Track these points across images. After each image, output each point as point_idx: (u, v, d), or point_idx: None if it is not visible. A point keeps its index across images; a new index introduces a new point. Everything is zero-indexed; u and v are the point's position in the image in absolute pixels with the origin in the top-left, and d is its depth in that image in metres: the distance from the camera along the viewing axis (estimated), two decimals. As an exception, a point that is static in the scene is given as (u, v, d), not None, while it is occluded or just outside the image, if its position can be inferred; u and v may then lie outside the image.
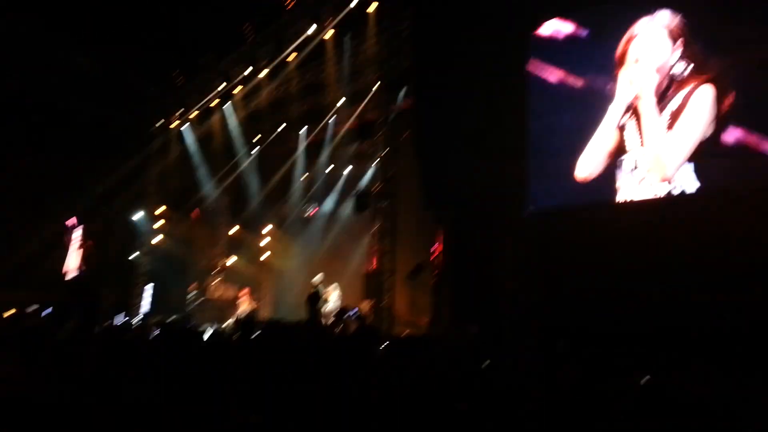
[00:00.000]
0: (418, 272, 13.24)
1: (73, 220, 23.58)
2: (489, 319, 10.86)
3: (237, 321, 4.15)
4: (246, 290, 18.18)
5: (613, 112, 10.51)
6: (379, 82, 14.56)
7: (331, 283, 16.37)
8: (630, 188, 10.18)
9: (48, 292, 22.63)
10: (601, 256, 9.88)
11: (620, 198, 10.28)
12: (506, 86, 11.66)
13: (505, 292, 11.16)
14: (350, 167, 18.22)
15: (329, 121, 17.94)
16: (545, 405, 3.64)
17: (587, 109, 10.71)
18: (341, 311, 5.00)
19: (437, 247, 13.87)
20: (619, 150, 10.41)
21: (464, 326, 7.98)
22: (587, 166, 10.70)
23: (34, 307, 16.69)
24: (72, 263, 23.90)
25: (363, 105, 16.14)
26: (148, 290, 19.51)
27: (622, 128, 10.44)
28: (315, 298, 12.31)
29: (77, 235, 23.66)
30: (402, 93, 14.61)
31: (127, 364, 3.12)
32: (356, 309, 5.69)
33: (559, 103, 11.20)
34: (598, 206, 10.50)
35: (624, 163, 10.30)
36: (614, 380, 4.22)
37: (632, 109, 10.32)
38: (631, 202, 10.15)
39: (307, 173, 19.74)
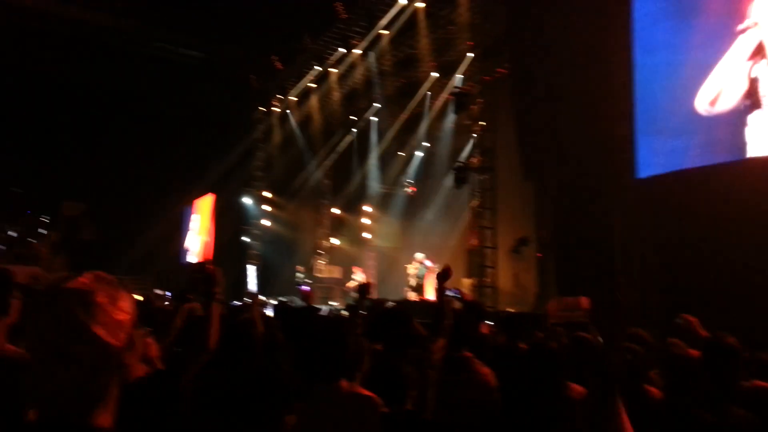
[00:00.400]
0: (522, 246, 12.69)
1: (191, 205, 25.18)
2: (600, 294, 10.15)
3: (359, 286, 4.05)
4: (358, 268, 18.36)
5: (740, 53, 9.28)
6: (472, 52, 14.05)
7: (432, 261, 16.20)
8: (763, 141, 8.98)
9: (169, 277, 24.43)
10: (726, 222, 8.85)
11: (751, 153, 9.09)
12: (606, 42, 10.76)
13: (617, 265, 10.39)
14: (447, 141, 17.83)
15: (424, 95, 17.64)
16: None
17: (707, 49, 9.56)
18: (443, 273, 4.67)
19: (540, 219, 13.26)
20: (750, 95, 9.19)
21: (575, 299, 7.38)
22: (709, 105, 9.56)
23: (159, 292, 18.02)
24: (192, 246, 25.60)
25: (457, 76, 15.67)
26: (252, 271, 20.31)
27: (751, 71, 9.23)
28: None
29: (196, 219, 25.27)
30: (497, 61, 14.03)
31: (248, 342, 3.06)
32: (457, 290, 5.44)
33: (673, 45, 10.10)
34: (723, 165, 9.39)
35: (756, 112, 9.11)
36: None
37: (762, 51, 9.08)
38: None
39: (404, 150, 19.59)
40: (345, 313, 9.47)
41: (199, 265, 2.99)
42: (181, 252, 26.51)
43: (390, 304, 7.46)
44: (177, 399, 2.32)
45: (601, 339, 4.53)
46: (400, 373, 2.86)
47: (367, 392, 2.73)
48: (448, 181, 15.75)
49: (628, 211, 10.55)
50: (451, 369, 3.25)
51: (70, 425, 1.06)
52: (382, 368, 2.94)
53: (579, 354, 3.70)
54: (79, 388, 1.07)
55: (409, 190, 19.56)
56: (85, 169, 25.64)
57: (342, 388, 2.69)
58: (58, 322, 1.07)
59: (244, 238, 21.86)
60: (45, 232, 27.63)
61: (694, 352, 3.14)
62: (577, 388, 3.24)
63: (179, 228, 26.45)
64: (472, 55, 14.00)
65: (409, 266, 16.63)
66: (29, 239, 27.01)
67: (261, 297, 17.46)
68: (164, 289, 19.60)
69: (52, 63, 19.34)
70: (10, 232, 26.91)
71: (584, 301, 7.28)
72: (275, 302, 15.01)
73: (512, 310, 12.62)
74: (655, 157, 10.15)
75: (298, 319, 4.21)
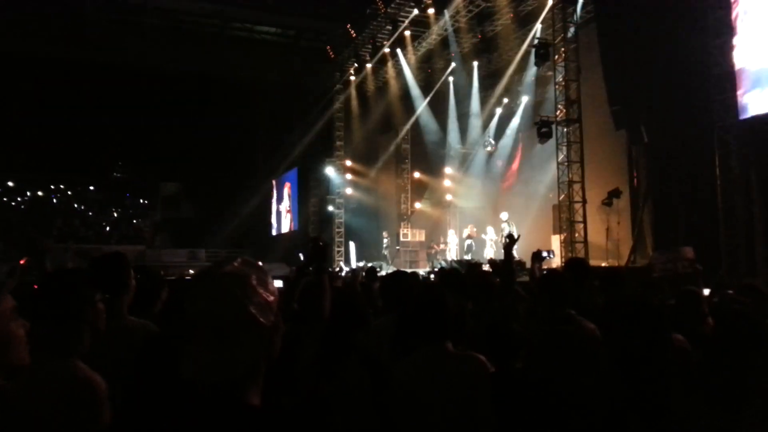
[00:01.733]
0: (614, 198, 12.20)
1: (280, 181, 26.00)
2: (701, 246, 9.68)
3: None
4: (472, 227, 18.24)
5: None
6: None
7: (518, 219, 15.97)
8: None
9: (261, 248, 25.51)
10: None
11: None
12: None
13: (721, 214, 9.82)
14: (529, 95, 17.28)
15: (503, 49, 17.11)
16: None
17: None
18: (537, 253, 4.69)
19: (633, 170, 12.70)
20: None
21: (678, 250, 7.03)
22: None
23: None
24: (280, 219, 26.57)
25: (538, 25, 15.05)
26: (352, 247, 20.77)
27: None
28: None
29: (282, 192, 26.14)
30: (579, 6, 13.32)
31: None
32: (550, 250, 5.38)
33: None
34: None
35: None
36: None
37: None
38: None
39: (484, 108, 19.19)
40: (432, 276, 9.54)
41: (313, 240, 3.08)
42: (271, 225, 27.54)
43: (486, 266, 7.47)
44: (295, 366, 2.46)
45: (708, 291, 4.36)
46: (510, 331, 2.87)
47: (472, 353, 2.77)
48: (531, 136, 15.33)
49: (731, 156, 9.89)
50: (555, 325, 3.23)
51: (228, 403, 1.13)
52: (493, 326, 2.97)
53: (688, 310, 3.57)
54: (235, 366, 1.13)
55: (490, 148, 19.21)
56: (180, 151, 27.06)
57: (446, 348, 2.75)
58: (218, 303, 1.13)
59: (329, 208, 22.36)
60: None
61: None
62: (681, 339, 3.14)
63: (268, 202, 27.44)
64: (552, 1, 13.36)
65: (490, 229, 16.50)
66: (133, 220, 29.02)
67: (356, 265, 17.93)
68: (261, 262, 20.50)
69: (138, 53, 20.29)
70: (114, 215, 29.00)
71: (688, 251, 6.95)
72: (363, 267, 15.37)
73: (605, 265, 12.27)
74: (760, 95, 9.41)
75: (398, 283, 4.28)
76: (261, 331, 1.15)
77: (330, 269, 14.78)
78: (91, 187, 30.16)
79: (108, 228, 27.56)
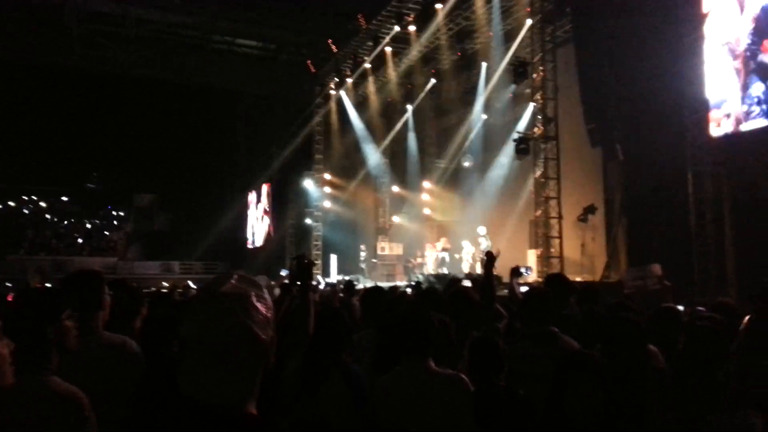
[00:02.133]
0: (590, 214, 12.40)
1: (257, 190, 25.84)
2: (674, 262, 9.87)
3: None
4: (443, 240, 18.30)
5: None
6: (531, 18, 13.64)
7: (494, 233, 16.08)
8: None
9: (237, 260, 25.27)
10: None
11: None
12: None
13: (693, 231, 10.02)
14: (508, 112, 17.51)
15: (482, 66, 17.33)
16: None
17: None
18: (515, 269, 4.73)
19: (608, 186, 12.92)
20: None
21: (647, 267, 7.17)
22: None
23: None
24: (257, 231, 26.38)
25: (516, 44, 15.30)
26: (334, 260, 20.67)
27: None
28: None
29: (259, 205, 26.01)
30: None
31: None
32: (528, 267, 5.43)
33: None
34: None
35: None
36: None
37: None
38: None
39: (462, 124, 19.38)
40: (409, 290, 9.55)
41: (298, 257, 3.08)
42: (247, 238, 27.32)
43: (465, 282, 7.49)
44: (279, 384, 2.45)
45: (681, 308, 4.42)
46: (494, 349, 2.88)
47: (452, 372, 2.77)
48: (509, 152, 15.50)
49: (703, 173, 10.13)
50: (538, 343, 3.25)
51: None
52: (476, 343, 2.98)
53: (666, 327, 3.63)
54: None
55: (468, 163, 19.38)
56: (156, 162, 26.77)
57: (428, 366, 2.74)
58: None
59: (307, 221, 22.29)
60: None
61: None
62: (657, 353, 3.19)
63: (245, 214, 27.23)
64: (531, 21, 13.59)
65: (465, 244, 16.58)
66: (105, 232, 28.53)
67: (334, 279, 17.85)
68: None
69: (117, 63, 20.12)
70: (87, 226, 28.49)
71: (657, 269, 7.09)
72: (341, 281, 15.32)
73: (580, 280, 12.42)
74: (726, 116, 9.66)
75: (377, 298, 4.29)
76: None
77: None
78: (64, 198, 29.63)
79: (80, 240, 27.04)
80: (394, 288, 8.08)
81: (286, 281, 3.38)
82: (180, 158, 25.83)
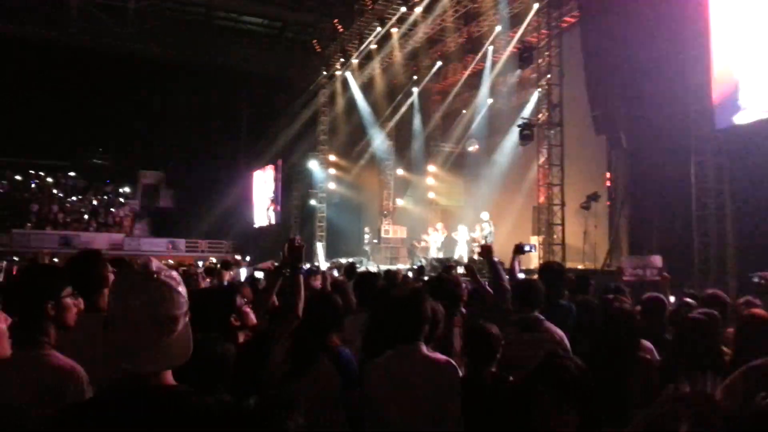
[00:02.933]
0: (593, 201, 12.41)
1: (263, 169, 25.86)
2: (674, 252, 9.90)
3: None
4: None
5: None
6: (538, 1, 13.53)
7: (498, 219, 16.11)
8: None
9: (242, 240, 25.43)
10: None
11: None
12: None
13: (694, 221, 10.03)
14: (513, 97, 17.43)
15: (488, 50, 17.22)
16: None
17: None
18: (518, 246, 4.77)
19: (612, 174, 12.90)
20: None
21: (648, 257, 7.21)
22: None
23: (238, 257, 18.75)
24: (262, 211, 26.49)
25: (523, 28, 15.19)
26: (320, 248, 20.57)
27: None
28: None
29: (264, 184, 26.08)
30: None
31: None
32: (533, 245, 5.42)
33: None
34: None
35: None
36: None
37: None
38: None
39: (468, 107, 19.32)
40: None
41: (289, 240, 3.14)
42: (253, 217, 27.44)
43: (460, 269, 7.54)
44: (269, 362, 2.53)
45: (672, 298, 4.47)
46: (487, 334, 2.94)
47: (443, 357, 2.83)
48: (513, 137, 15.47)
49: (706, 165, 10.10)
50: (524, 329, 3.33)
51: (148, 383, 1.30)
52: (470, 329, 3.04)
53: (653, 317, 3.70)
54: (150, 352, 1.30)
55: (473, 148, 19.35)
56: (162, 139, 26.81)
57: (420, 350, 2.80)
58: (139, 301, 1.29)
59: (311, 202, 22.35)
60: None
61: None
62: (651, 349, 3.25)
63: (250, 193, 27.31)
64: (537, 5, 13.48)
65: (461, 227, 16.57)
66: (111, 208, 28.67)
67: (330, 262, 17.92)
68: (242, 255, 20.48)
69: (121, 39, 20.03)
70: (93, 202, 28.62)
71: (657, 260, 7.15)
72: (344, 264, 15.41)
73: (582, 267, 12.48)
74: (733, 106, 9.61)
75: (372, 282, 4.36)
76: (176, 325, 1.32)
77: (311, 266, 14.81)
78: (71, 173, 29.74)
79: (86, 215, 27.20)
80: (395, 272, 8.14)
81: (277, 264, 3.46)
82: (185, 136, 25.85)
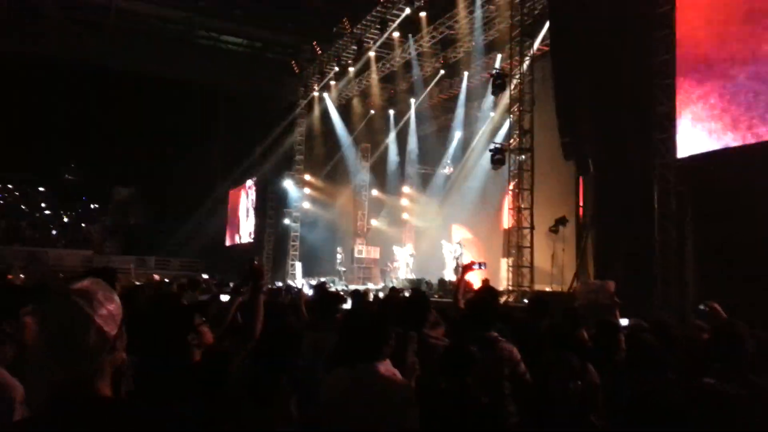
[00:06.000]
0: (561, 225, 12.71)
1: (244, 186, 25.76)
2: (637, 273, 10.21)
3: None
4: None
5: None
6: (512, 31, 13.94)
7: (470, 241, 16.35)
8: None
9: (217, 264, 25.24)
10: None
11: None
12: (650, 22, 10.60)
13: (657, 247, 10.35)
14: (486, 122, 17.82)
15: (464, 75, 17.62)
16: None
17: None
18: (467, 265, 4.96)
19: (580, 199, 13.24)
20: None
21: (602, 283, 7.49)
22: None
23: (206, 276, 18.63)
24: (236, 230, 26.38)
25: (497, 56, 15.62)
26: (299, 267, 20.59)
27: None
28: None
29: (239, 203, 26.00)
30: (538, 41, 13.91)
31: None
32: (483, 262, 5.57)
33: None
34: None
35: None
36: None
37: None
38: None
39: (442, 131, 19.66)
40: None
41: (248, 261, 3.23)
42: (226, 235, 27.30)
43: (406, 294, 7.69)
44: (224, 382, 2.59)
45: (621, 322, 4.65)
46: (466, 353, 3.07)
47: (399, 378, 2.92)
48: (486, 161, 15.78)
49: (669, 192, 10.46)
50: (480, 348, 3.46)
51: (80, 393, 1.38)
52: (450, 346, 3.15)
53: (606, 339, 3.88)
54: (82, 364, 1.38)
55: (448, 170, 19.65)
56: (137, 155, 26.62)
57: (377, 369, 2.87)
58: (69, 314, 1.39)
59: (286, 221, 22.37)
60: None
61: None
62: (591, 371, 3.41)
63: (224, 212, 27.20)
64: (513, 34, 13.89)
65: (445, 243, 16.78)
66: (81, 224, 28.31)
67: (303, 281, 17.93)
68: (211, 274, 20.30)
69: (99, 54, 20.00)
70: (65, 218, 28.24)
71: (610, 285, 7.43)
72: (315, 283, 15.45)
73: (548, 290, 12.75)
74: (696, 136, 10.02)
75: (335, 303, 4.46)
76: (103, 337, 1.40)
77: (284, 285, 14.82)
78: (41, 188, 29.33)
79: (55, 231, 26.79)
80: (363, 292, 8.25)
81: (237, 283, 3.55)
82: (160, 152, 25.75)
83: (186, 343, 2.75)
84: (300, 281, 18.20)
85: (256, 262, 3.11)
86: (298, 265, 20.80)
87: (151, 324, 2.71)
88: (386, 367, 2.90)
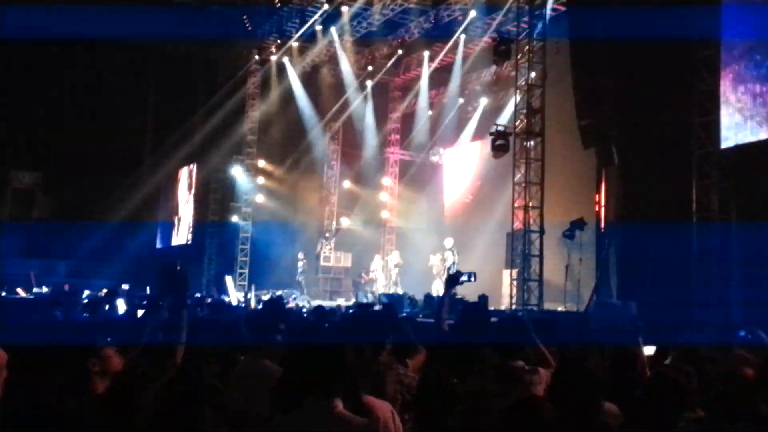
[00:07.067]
0: (577, 230, 12.76)
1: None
2: (671, 289, 10.33)
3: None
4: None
5: None
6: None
7: (465, 247, 16.40)
8: None
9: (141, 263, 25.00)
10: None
11: None
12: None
13: (693, 254, 10.49)
14: (486, 98, 17.89)
15: (459, 39, 17.65)
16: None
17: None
18: (452, 277, 4.98)
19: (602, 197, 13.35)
20: None
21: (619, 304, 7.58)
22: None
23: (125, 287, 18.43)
24: (169, 228, 26.11)
25: (501, 16, 15.67)
26: (230, 282, 20.10)
27: None
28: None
29: (174, 194, 25.75)
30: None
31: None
32: (472, 273, 5.53)
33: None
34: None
35: None
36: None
37: None
38: None
39: (433, 109, 19.69)
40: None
41: (170, 266, 3.22)
42: (157, 235, 27.04)
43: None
44: (132, 415, 2.56)
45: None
46: (449, 387, 3.08)
47: (359, 418, 2.94)
48: (486, 147, 15.84)
49: (710, 189, 10.59)
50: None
51: None
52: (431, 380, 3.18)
53: (623, 373, 3.92)
54: None
55: (438, 158, 19.70)
56: (41, 134, 26.15)
57: (335, 407, 2.90)
58: None
59: (233, 218, 22.21)
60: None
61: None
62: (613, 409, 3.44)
63: (155, 204, 26.93)
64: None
65: (432, 257, 16.84)
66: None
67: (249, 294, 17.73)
68: (131, 284, 20.05)
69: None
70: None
71: (631, 307, 7.55)
72: (269, 297, 15.36)
73: (561, 309, 12.83)
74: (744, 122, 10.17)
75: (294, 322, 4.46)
76: None
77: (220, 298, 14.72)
78: None
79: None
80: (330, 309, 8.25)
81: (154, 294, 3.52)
82: (73, 129, 25.32)
83: (86, 371, 2.72)
84: (235, 298, 17.86)
85: (178, 268, 3.08)
86: (228, 279, 20.22)
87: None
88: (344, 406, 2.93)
